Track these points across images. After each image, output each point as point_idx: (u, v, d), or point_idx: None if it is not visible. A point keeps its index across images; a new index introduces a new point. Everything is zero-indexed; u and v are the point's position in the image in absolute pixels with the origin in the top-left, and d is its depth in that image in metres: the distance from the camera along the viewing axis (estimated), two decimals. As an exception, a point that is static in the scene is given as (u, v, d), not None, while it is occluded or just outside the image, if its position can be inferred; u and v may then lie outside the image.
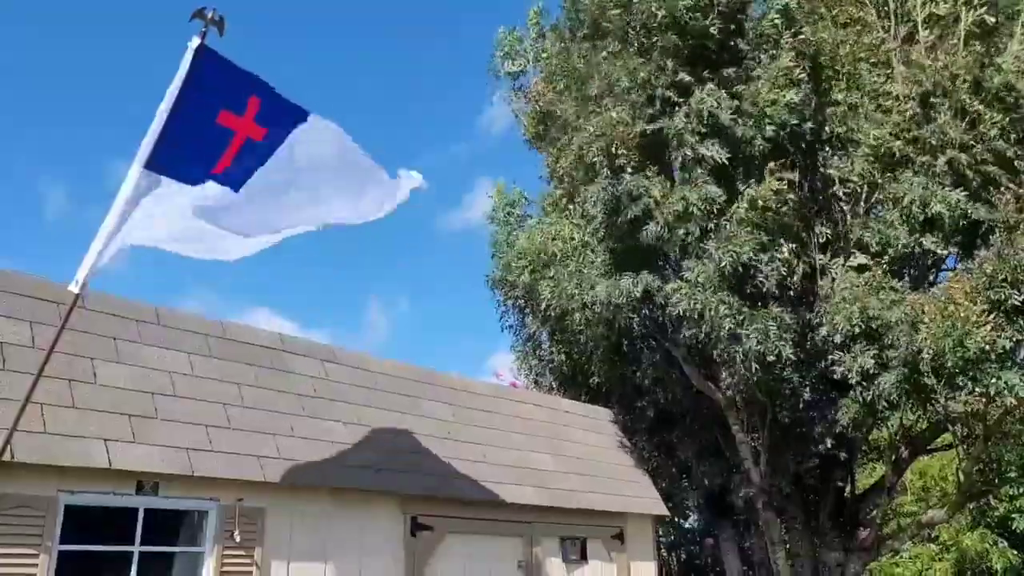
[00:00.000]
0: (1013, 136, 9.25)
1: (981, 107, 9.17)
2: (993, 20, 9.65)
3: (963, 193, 9.23)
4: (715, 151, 9.67)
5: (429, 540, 8.43)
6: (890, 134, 9.66)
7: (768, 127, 9.71)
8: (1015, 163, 9.14)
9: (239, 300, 51.26)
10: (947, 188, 9.23)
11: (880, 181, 9.78)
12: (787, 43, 10.11)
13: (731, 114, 9.77)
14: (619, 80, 9.94)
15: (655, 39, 10.19)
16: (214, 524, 6.73)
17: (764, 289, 9.49)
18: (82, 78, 39.27)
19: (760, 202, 9.49)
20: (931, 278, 10.76)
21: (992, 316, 8.40)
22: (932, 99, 9.46)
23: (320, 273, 50.42)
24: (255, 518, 6.97)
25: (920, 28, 10.01)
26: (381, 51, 45.75)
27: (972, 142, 9.15)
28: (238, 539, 6.75)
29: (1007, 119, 9.16)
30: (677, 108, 9.84)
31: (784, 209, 9.68)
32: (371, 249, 50.48)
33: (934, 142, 9.31)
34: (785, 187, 9.77)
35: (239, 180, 5.40)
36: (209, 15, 4.96)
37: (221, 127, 5.09)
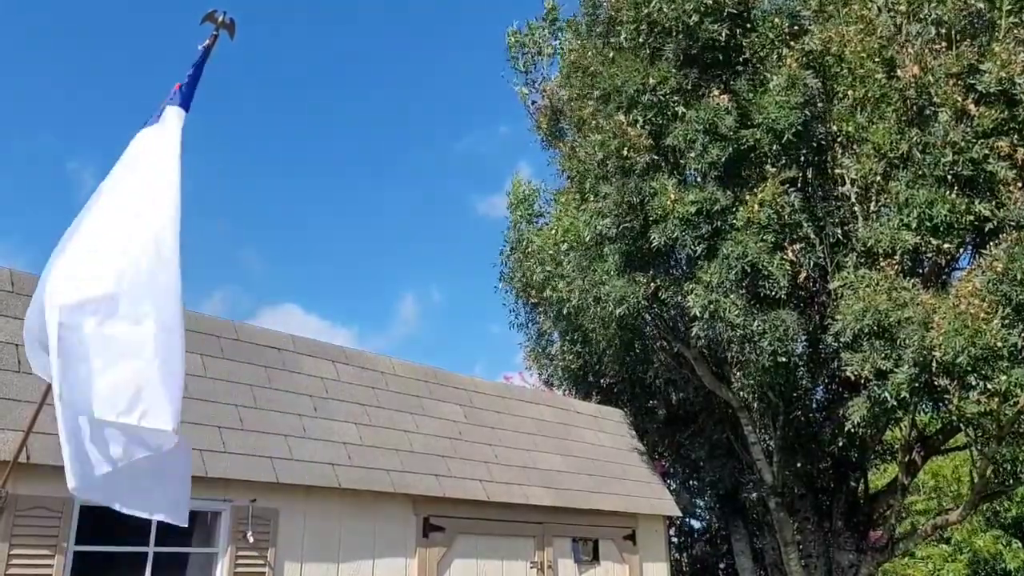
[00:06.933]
0: (1014, 133, 9.19)
1: (973, 106, 9.14)
2: (980, 5, 9.63)
3: (968, 193, 9.20)
4: (723, 154, 9.68)
5: (441, 541, 8.46)
6: (896, 133, 9.64)
7: (775, 129, 9.72)
8: (1014, 157, 9.08)
9: (269, 296, 51.23)
10: (951, 189, 9.21)
11: (885, 185, 9.77)
12: (794, 46, 10.11)
13: (739, 117, 9.79)
14: (629, 84, 9.96)
15: (665, 41, 10.21)
16: (227, 525, 6.78)
17: (774, 292, 9.47)
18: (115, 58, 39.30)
19: (764, 204, 9.49)
20: (944, 277, 10.72)
21: (1002, 313, 8.36)
22: (933, 98, 9.44)
23: (352, 268, 50.11)
24: (268, 519, 7.01)
25: (907, 25, 10.00)
26: (432, 25, 45.18)
27: (973, 140, 9.12)
28: (251, 540, 6.79)
29: (1005, 114, 9.12)
30: (686, 113, 9.86)
31: (789, 211, 9.68)
32: (405, 239, 50.12)
33: (936, 142, 9.29)
34: (788, 187, 9.78)
35: None
36: (220, 18, 4.98)
37: None
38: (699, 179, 10.18)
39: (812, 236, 10.14)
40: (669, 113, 10.02)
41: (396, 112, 45.59)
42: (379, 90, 45.66)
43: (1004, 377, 8.25)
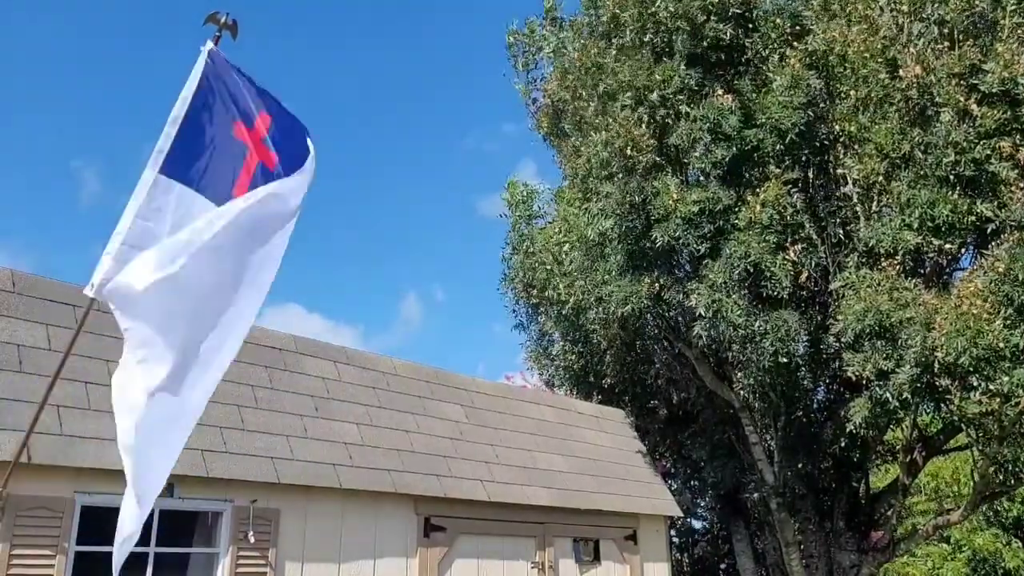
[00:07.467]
0: (1016, 133, 9.17)
1: (976, 106, 9.13)
2: (983, 5, 9.62)
3: (970, 193, 9.20)
4: (727, 154, 9.67)
5: (442, 541, 8.45)
6: (898, 133, 9.64)
7: (779, 129, 9.72)
8: (1016, 157, 9.07)
9: (271, 296, 51.09)
10: (953, 190, 9.20)
11: (887, 185, 9.76)
12: (796, 46, 10.11)
13: (742, 117, 9.79)
14: (632, 83, 9.96)
15: (669, 39, 10.21)
16: (229, 525, 6.77)
17: (776, 292, 9.47)
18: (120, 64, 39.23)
19: (766, 204, 9.48)
20: (945, 277, 10.71)
21: (1004, 313, 8.36)
22: (936, 98, 9.44)
23: (355, 267, 50.06)
24: (269, 519, 7.00)
25: (909, 25, 9.99)
26: (433, 25, 45.01)
27: (975, 140, 9.11)
28: (252, 540, 6.78)
29: (1007, 114, 9.11)
30: (689, 112, 9.86)
31: (791, 211, 9.68)
32: (409, 238, 50.13)
33: (938, 142, 9.28)
34: (790, 188, 9.78)
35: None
36: (223, 19, 4.97)
37: (237, 140, 4.74)
38: (701, 179, 10.17)
39: (814, 236, 10.14)
40: (673, 112, 10.02)
41: (401, 111, 45.63)
42: (383, 89, 45.71)
43: (1006, 378, 8.26)
